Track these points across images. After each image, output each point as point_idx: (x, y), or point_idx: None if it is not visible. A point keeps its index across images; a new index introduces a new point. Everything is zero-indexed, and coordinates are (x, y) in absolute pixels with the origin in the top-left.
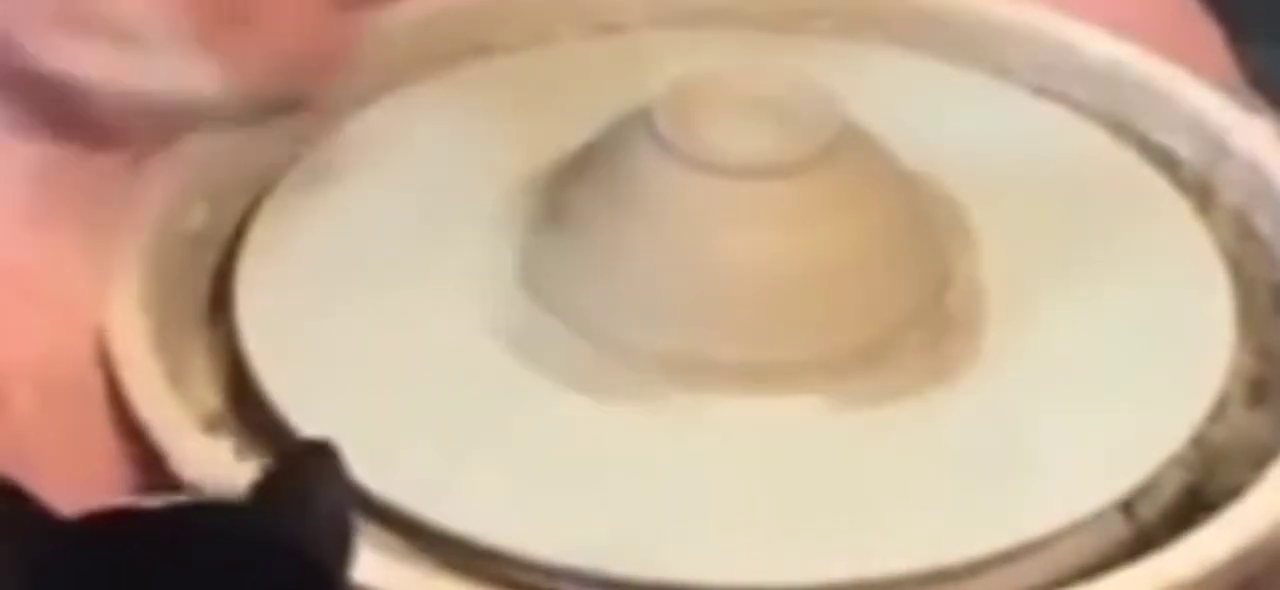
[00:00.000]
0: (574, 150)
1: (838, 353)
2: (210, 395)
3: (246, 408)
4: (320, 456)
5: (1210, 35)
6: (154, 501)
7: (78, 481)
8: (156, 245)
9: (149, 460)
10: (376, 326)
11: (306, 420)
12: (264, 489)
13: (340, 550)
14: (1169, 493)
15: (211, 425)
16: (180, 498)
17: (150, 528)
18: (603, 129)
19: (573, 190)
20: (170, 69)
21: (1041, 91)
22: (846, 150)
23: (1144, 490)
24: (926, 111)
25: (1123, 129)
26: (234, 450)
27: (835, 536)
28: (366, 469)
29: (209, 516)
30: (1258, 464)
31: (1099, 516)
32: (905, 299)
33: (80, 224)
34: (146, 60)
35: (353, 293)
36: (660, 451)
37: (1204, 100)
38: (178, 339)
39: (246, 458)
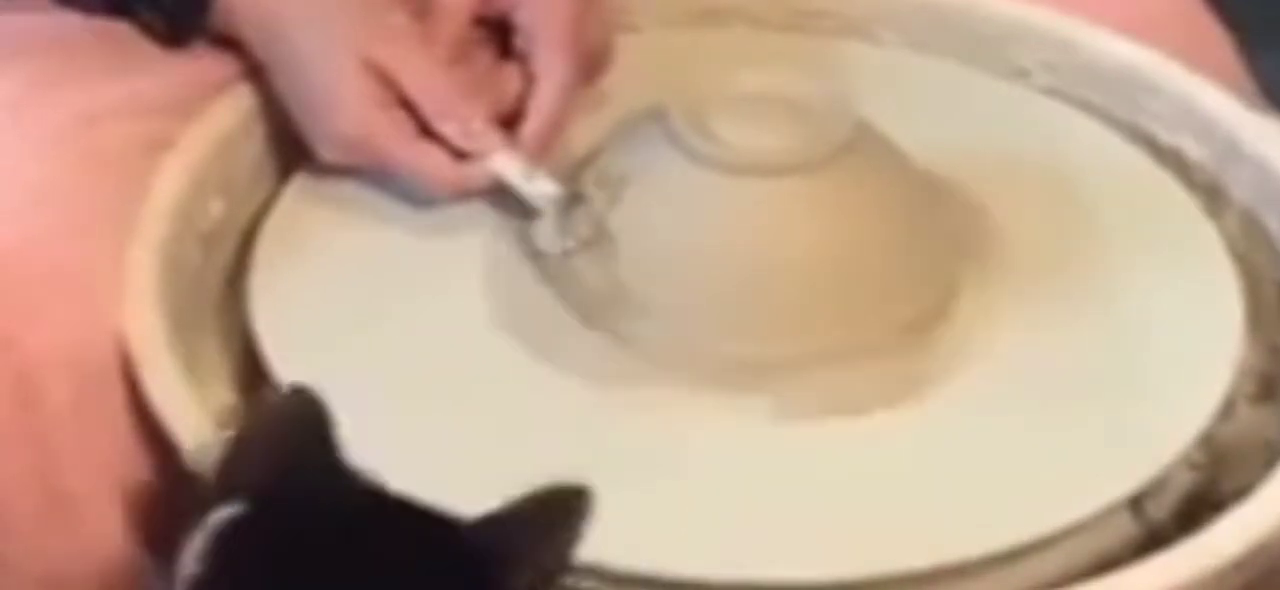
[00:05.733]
0: (589, 147)
1: (847, 348)
2: (225, 389)
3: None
4: (578, 498)
5: (1220, 41)
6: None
7: (99, 470)
8: (172, 241)
9: (166, 451)
10: (389, 321)
11: None
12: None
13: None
14: (1178, 491)
15: (226, 419)
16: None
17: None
18: (617, 127)
19: (587, 187)
20: (485, 172)
21: (1053, 92)
22: (859, 149)
23: (1152, 488)
24: (938, 112)
25: (1133, 130)
26: None
27: (844, 533)
28: (379, 462)
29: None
30: (1267, 462)
31: (1107, 515)
32: (917, 295)
33: (117, 225)
34: (471, 166)
35: (365, 287)
36: (668, 445)
37: (1214, 102)
38: (193, 334)
39: None
